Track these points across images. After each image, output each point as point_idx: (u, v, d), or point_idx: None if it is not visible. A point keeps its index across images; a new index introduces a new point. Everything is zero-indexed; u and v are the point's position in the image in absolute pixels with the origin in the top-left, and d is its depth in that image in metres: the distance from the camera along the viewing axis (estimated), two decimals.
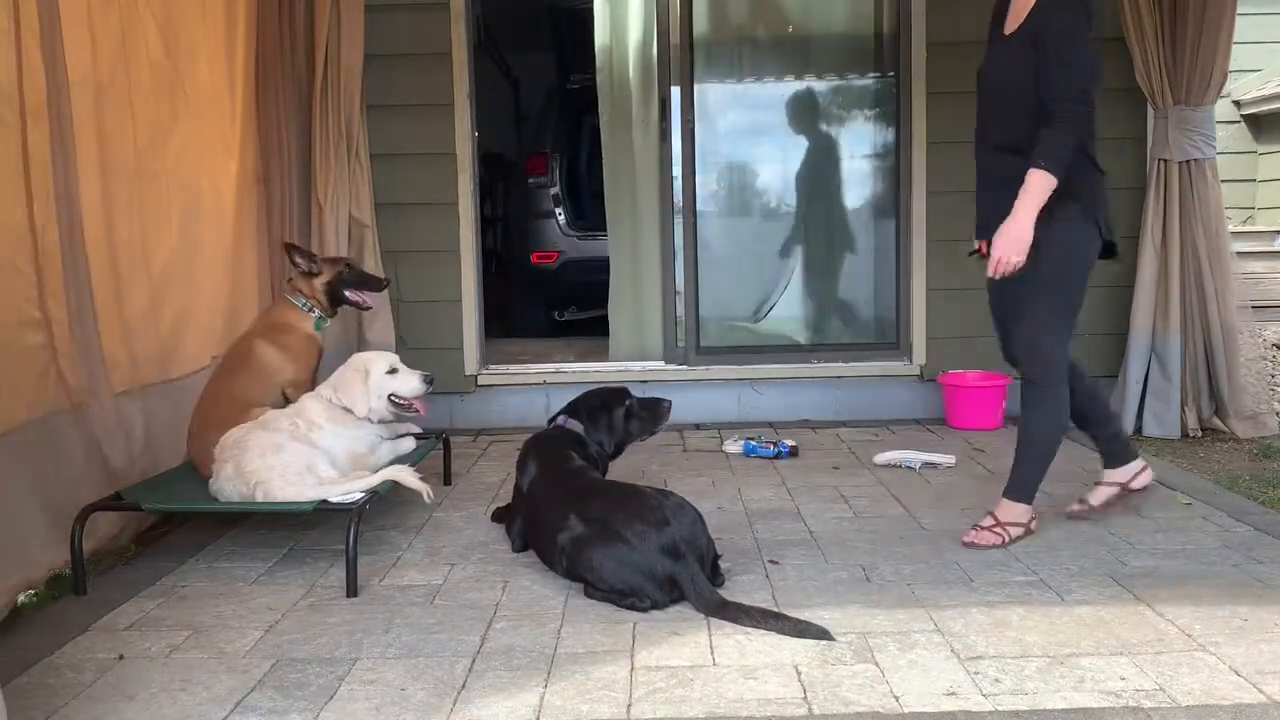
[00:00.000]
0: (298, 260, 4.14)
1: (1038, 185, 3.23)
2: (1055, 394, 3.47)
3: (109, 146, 3.83)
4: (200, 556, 3.55)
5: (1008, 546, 3.48)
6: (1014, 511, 3.56)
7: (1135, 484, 3.72)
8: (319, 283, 4.16)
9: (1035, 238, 3.27)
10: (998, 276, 3.35)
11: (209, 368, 4.30)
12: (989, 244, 3.41)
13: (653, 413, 3.81)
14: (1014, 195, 3.28)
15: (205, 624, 2.95)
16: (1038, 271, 3.32)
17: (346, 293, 4.21)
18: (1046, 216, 3.27)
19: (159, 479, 3.86)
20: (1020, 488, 3.58)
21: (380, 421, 3.81)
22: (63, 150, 3.40)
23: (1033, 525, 3.59)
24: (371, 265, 5.12)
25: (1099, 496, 3.73)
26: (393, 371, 3.80)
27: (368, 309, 4.46)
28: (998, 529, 3.53)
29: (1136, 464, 3.74)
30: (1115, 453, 3.74)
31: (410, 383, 3.81)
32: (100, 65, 3.80)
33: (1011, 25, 3.41)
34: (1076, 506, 3.76)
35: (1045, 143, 3.22)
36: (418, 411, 3.84)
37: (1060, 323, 3.44)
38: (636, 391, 5.39)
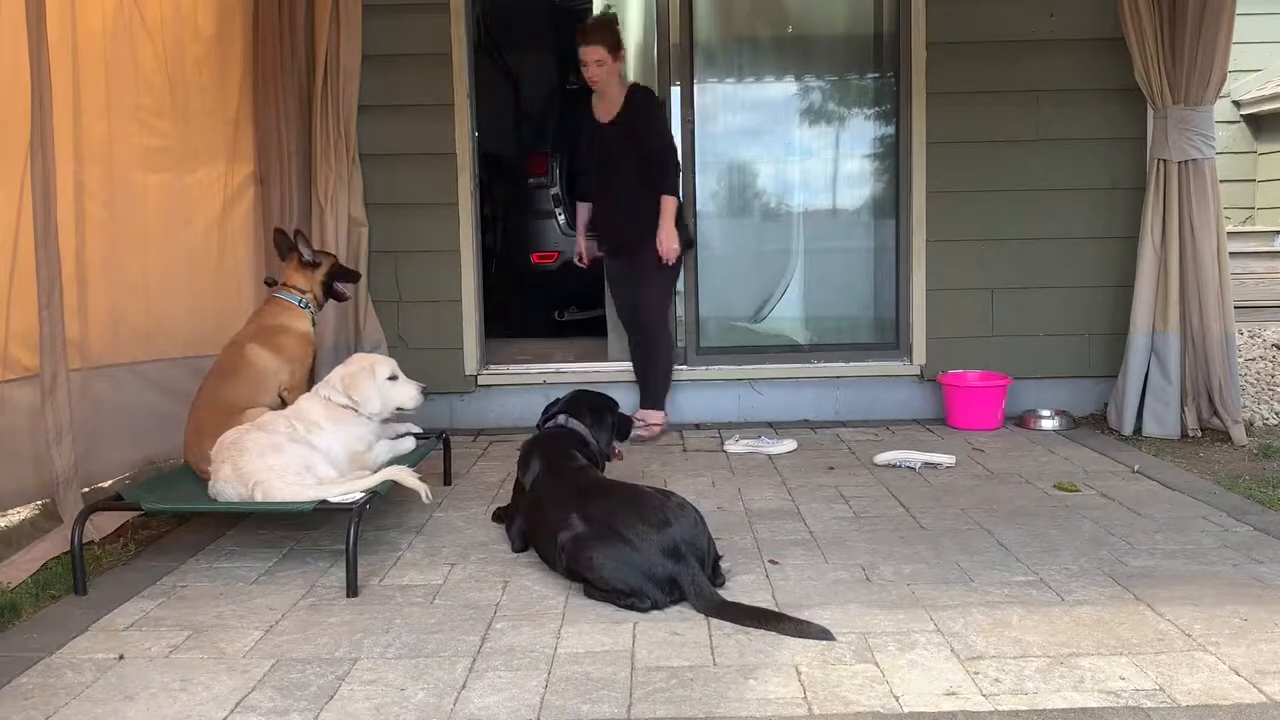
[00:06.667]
0: (302, 249, 4.16)
1: (670, 205, 5.04)
2: (666, 332, 5.33)
3: (87, 142, 3.94)
4: (200, 556, 3.55)
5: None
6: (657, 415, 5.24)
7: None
8: (319, 274, 4.21)
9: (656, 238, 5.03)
10: (670, 263, 5.11)
11: (193, 360, 4.38)
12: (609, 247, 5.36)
13: (626, 427, 3.90)
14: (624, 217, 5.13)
15: (205, 624, 2.95)
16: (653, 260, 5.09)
17: (335, 284, 4.30)
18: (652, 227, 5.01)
19: (159, 479, 3.87)
20: (655, 398, 5.28)
21: (381, 421, 3.84)
22: (42, 143, 3.51)
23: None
24: (365, 263, 5.20)
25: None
26: (393, 378, 3.83)
27: (347, 299, 4.54)
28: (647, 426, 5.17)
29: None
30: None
31: (408, 391, 3.87)
32: (83, 62, 3.89)
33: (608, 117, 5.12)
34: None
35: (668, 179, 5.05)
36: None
37: (668, 291, 5.35)
38: (636, 391, 5.47)
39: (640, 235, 5.09)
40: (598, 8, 5.86)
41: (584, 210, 5.51)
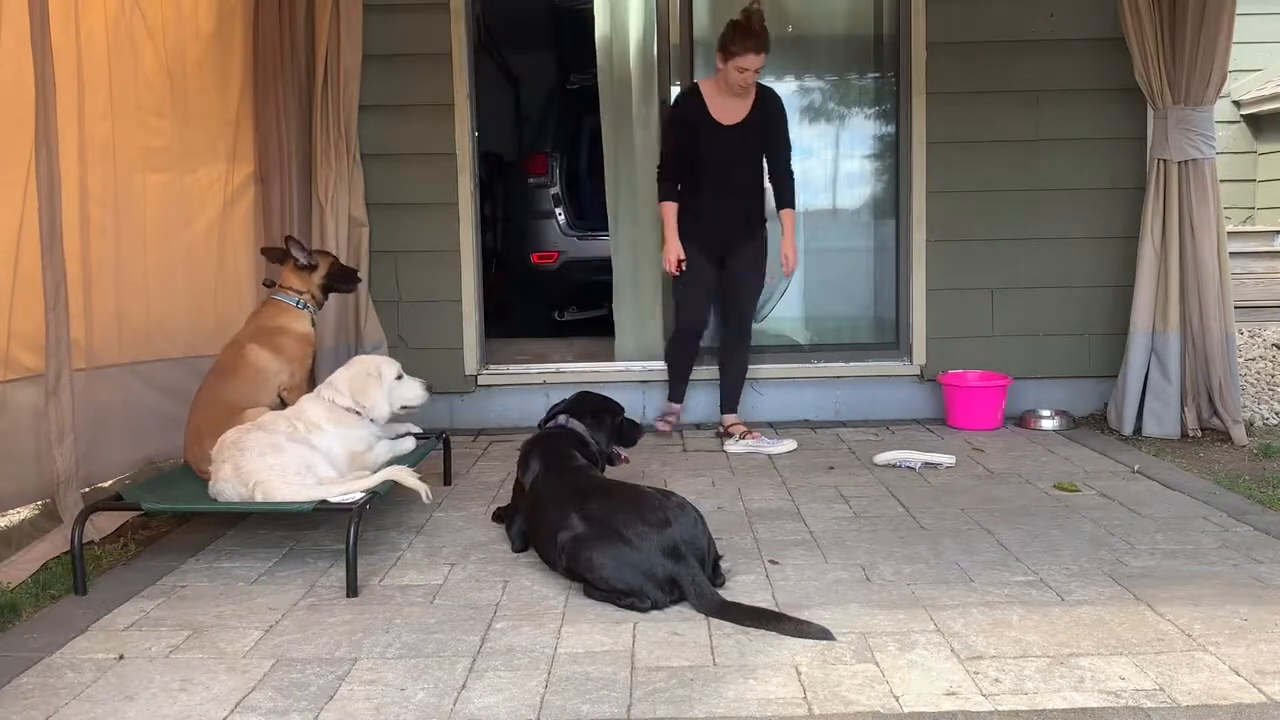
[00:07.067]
0: (296, 255, 4.16)
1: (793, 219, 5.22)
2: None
3: (91, 144, 3.94)
4: (200, 556, 3.55)
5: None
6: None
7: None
8: (318, 276, 4.21)
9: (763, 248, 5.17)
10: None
11: (193, 360, 4.40)
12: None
13: (633, 433, 3.89)
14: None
15: (205, 624, 2.95)
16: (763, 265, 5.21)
17: (336, 284, 4.32)
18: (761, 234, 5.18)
19: (159, 479, 3.88)
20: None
21: (384, 422, 3.84)
22: (46, 145, 3.52)
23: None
24: (365, 263, 5.20)
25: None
26: (398, 378, 3.84)
27: (352, 291, 4.60)
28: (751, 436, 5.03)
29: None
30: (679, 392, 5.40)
31: (414, 389, 3.88)
32: (86, 64, 3.90)
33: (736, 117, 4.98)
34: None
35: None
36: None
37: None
38: (638, 392, 5.48)
39: (753, 238, 5.12)
40: (598, 7, 5.85)
41: (674, 210, 5.04)
